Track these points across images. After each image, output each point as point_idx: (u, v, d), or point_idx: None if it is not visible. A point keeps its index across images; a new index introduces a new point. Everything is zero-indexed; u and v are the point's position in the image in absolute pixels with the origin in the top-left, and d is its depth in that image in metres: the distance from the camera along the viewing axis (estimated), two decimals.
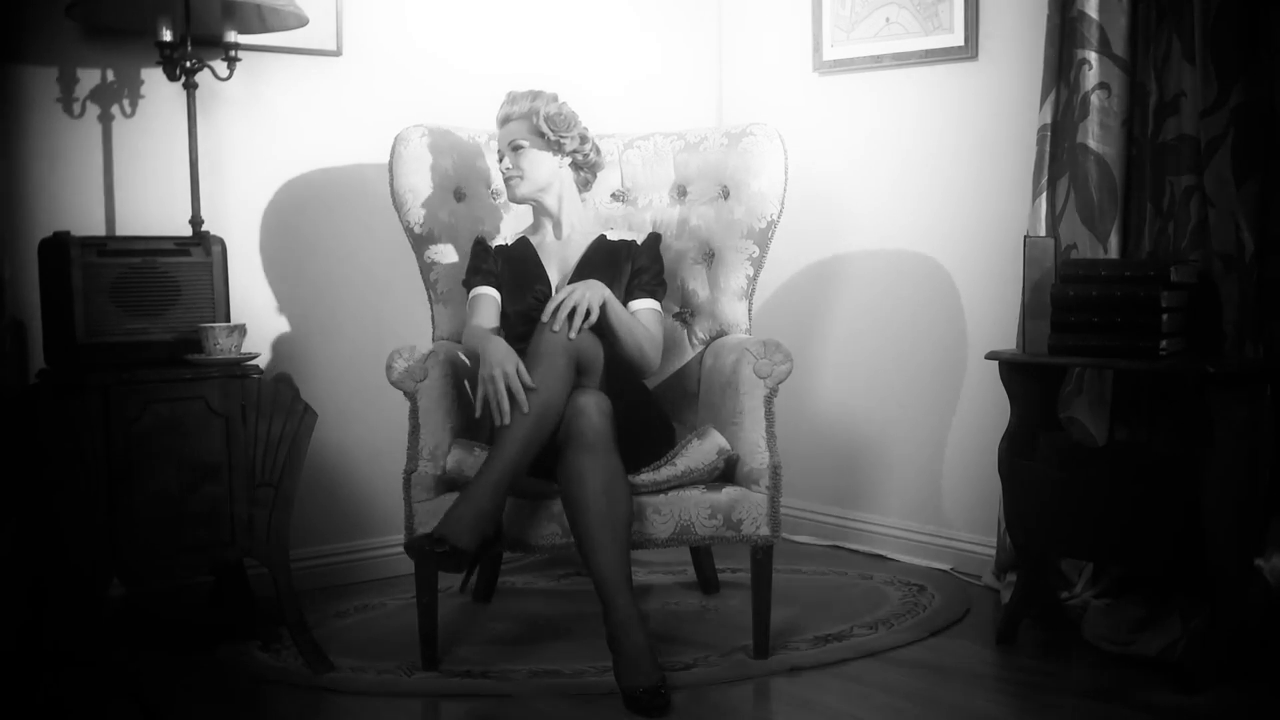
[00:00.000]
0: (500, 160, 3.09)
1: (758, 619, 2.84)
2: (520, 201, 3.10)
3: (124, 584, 3.07)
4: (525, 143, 3.04)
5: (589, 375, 2.74)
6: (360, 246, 3.50)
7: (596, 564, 2.59)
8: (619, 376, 2.82)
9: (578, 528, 2.61)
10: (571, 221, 3.12)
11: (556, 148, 3.07)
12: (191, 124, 3.00)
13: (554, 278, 3.06)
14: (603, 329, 2.81)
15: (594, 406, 2.66)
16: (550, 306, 2.75)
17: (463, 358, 3.02)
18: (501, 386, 2.64)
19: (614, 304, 2.85)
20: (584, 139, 3.12)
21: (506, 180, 3.08)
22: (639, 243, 3.08)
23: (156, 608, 3.11)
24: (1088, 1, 3.02)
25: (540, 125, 3.04)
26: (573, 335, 2.71)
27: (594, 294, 2.78)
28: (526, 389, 2.64)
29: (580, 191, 3.17)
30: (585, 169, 3.15)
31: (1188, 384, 2.90)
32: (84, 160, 3.10)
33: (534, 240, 3.13)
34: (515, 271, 3.06)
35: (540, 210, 3.13)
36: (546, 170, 3.07)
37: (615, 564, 2.59)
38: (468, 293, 3.10)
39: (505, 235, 3.17)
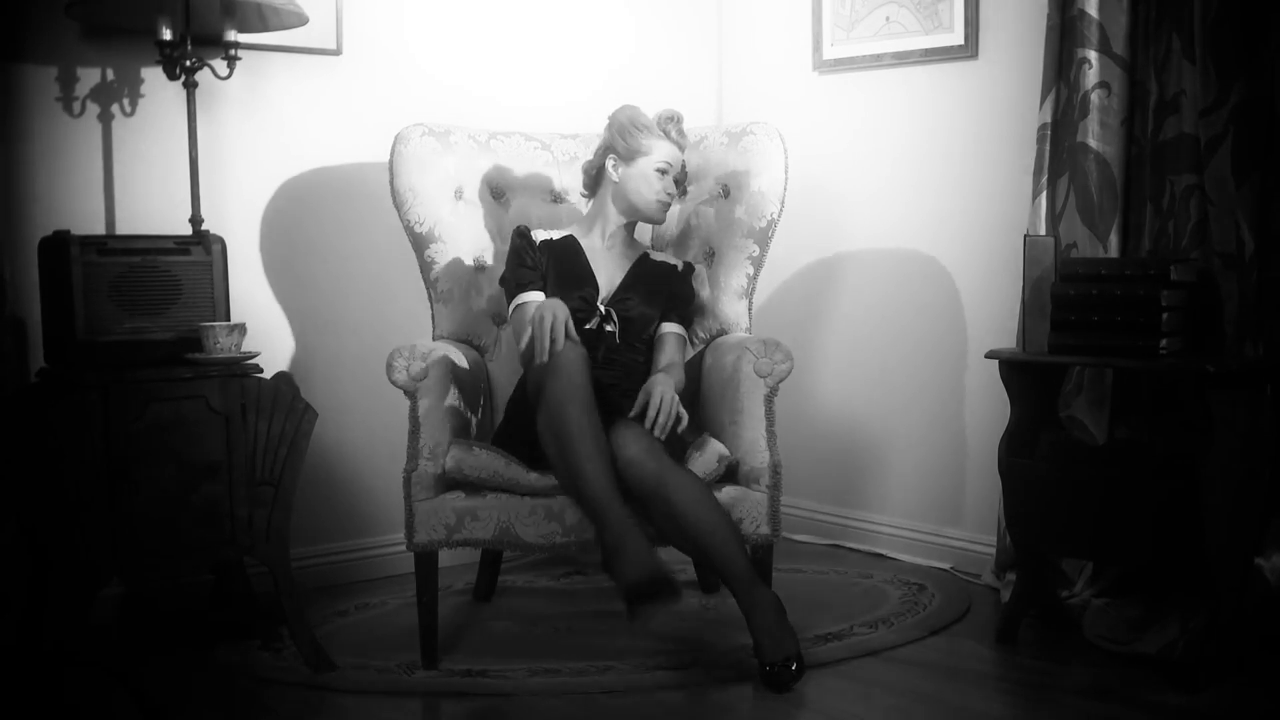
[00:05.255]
0: (663, 173, 3.06)
1: None
2: (655, 222, 3.16)
3: (124, 583, 3.07)
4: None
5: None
6: (360, 245, 3.50)
7: (584, 484, 2.62)
8: None
9: (563, 460, 2.64)
10: (627, 239, 3.15)
11: (682, 193, 3.28)
12: (191, 123, 3.00)
13: (602, 283, 3.05)
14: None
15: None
16: (645, 404, 2.76)
17: (463, 361, 3.01)
18: (548, 325, 2.69)
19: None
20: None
21: (667, 203, 3.09)
22: (679, 269, 3.13)
23: (157, 606, 3.11)
24: (1088, 0, 3.02)
25: (682, 174, 3.21)
26: (661, 437, 2.74)
27: (676, 397, 2.80)
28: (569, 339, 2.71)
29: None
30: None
31: (1187, 383, 2.90)
32: (84, 159, 3.10)
33: (585, 242, 3.11)
34: (562, 270, 3.03)
35: (630, 226, 3.15)
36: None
37: (600, 480, 2.61)
38: (508, 293, 3.03)
39: (550, 230, 3.14)
